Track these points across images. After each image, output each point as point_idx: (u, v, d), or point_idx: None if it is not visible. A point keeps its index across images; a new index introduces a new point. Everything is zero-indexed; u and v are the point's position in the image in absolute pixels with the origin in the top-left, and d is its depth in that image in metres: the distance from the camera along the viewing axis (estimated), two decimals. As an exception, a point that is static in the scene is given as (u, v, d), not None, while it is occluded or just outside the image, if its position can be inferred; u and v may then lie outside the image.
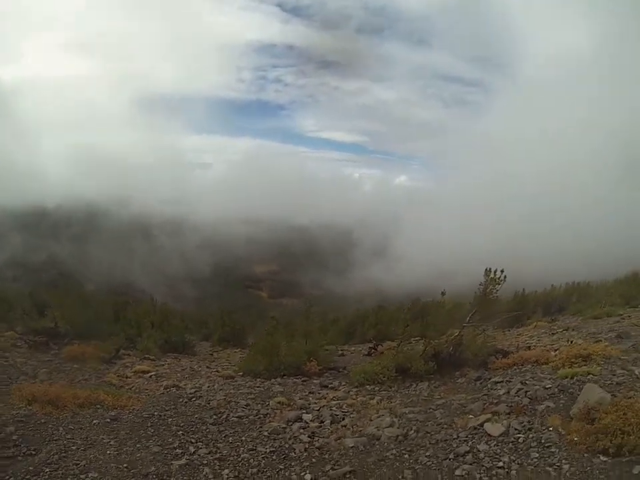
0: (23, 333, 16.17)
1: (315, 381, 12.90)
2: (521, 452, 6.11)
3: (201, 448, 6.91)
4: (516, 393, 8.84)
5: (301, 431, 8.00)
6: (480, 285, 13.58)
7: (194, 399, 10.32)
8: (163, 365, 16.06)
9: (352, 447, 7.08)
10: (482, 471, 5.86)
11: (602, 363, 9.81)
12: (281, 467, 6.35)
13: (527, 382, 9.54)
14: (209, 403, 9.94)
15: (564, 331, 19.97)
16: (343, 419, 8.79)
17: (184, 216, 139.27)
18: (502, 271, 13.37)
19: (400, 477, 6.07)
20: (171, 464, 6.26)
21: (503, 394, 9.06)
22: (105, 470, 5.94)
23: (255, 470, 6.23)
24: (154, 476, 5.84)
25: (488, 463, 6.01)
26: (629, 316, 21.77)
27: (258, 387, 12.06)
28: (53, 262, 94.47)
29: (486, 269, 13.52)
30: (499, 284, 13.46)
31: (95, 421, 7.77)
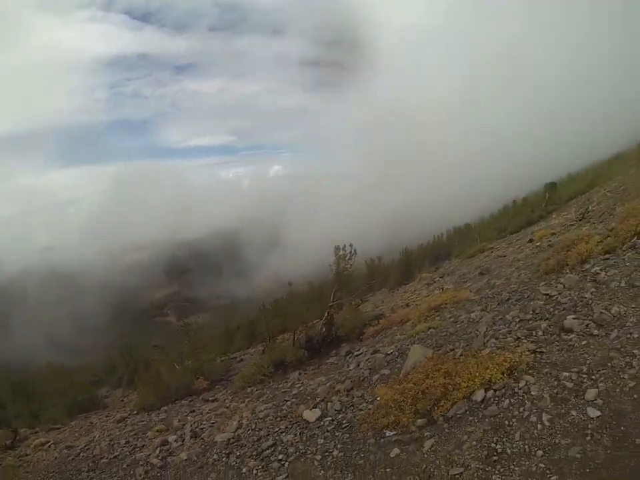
0: None
1: (201, 397, 13.01)
2: (314, 438, 6.48)
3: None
4: (360, 366, 9.36)
5: (157, 453, 8.25)
6: (330, 264, 14.17)
7: (81, 453, 10.22)
8: (65, 430, 15.52)
9: (185, 460, 7.50)
10: (261, 467, 6.30)
11: (452, 310, 10.51)
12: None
13: (379, 350, 10.07)
14: (92, 453, 9.90)
15: (440, 278, 21.23)
16: (203, 431, 9.02)
17: (65, 261, 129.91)
18: (351, 245, 14.08)
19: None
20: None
21: (353, 368, 9.55)
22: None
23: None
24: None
25: (277, 455, 6.43)
26: (497, 248, 23.66)
27: (142, 421, 12.05)
28: None
29: (335, 247, 14.08)
30: (350, 259, 14.14)
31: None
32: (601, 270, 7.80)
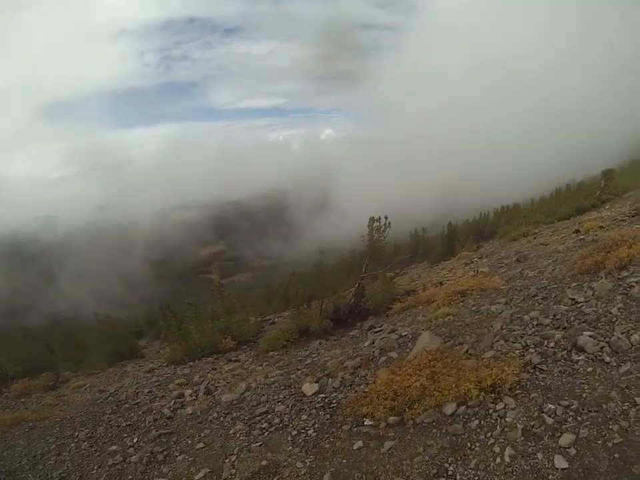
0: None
1: (226, 356, 13.44)
2: (301, 413, 6.61)
3: (82, 431, 8.33)
4: (374, 344, 9.37)
5: (170, 405, 8.75)
6: (363, 236, 14.18)
7: (110, 397, 10.83)
8: (102, 375, 16.67)
9: (190, 414, 7.97)
10: (245, 431, 6.54)
11: (477, 297, 10.26)
12: (125, 434, 7.74)
13: (397, 329, 10.03)
14: (118, 398, 10.49)
15: (478, 259, 20.86)
16: (217, 389, 9.37)
17: (118, 219, 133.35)
18: (386, 217, 14.01)
19: (198, 434, 6.98)
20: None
21: (367, 345, 9.59)
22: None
23: (105, 439, 7.76)
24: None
25: (262, 423, 6.65)
26: (542, 234, 22.91)
27: (167, 373, 12.59)
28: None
29: (370, 218, 14.05)
30: (385, 230, 14.07)
31: (16, 433, 9.11)
32: (636, 283, 7.19)
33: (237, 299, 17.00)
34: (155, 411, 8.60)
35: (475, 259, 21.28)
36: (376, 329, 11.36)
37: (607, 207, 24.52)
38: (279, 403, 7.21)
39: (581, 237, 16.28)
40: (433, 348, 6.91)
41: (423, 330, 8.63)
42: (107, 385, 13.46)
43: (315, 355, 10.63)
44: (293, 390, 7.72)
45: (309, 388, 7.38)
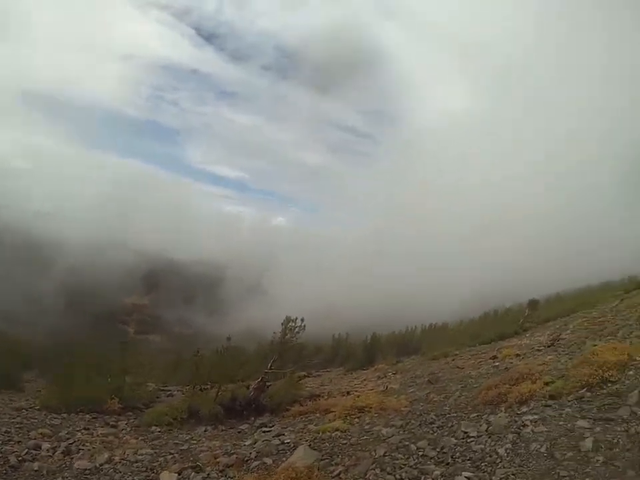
0: None
1: (105, 418, 12.31)
2: None
3: None
4: (255, 444, 8.72)
5: (20, 453, 7.83)
6: (276, 332, 14.27)
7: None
8: None
9: (35, 471, 7.17)
10: None
11: (374, 416, 9.91)
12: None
13: (283, 434, 9.49)
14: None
15: (393, 374, 20.36)
16: (79, 452, 8.41)
17: (50, 234, 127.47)
18: (302, 320, 14.14)
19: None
20: None
21: (248, 444, 8.93)
22: None
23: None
24: None
25: None
26: (461, 356, 22.77)
27: (35, 418, 11.37)
28: None
29: (286, 317, 14.19)
30: (299, 332, 14.15)
31: None
32: (530, 422, 7.05)
33: (145, 360, 15.45)
34: (1, 455, 7.61)
35: (390, 374, 20.96)
36: (265, 429, 10.83)
37: (527, 335, 25.20)
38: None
39: (496, 363, 16.26)
40: (305, 464, 6.43)
41: (306, 440, 8.20)
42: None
43: (195, 441, 9.86)
44: (151, 475, 7.04)
45: (167, 477, 6.78)
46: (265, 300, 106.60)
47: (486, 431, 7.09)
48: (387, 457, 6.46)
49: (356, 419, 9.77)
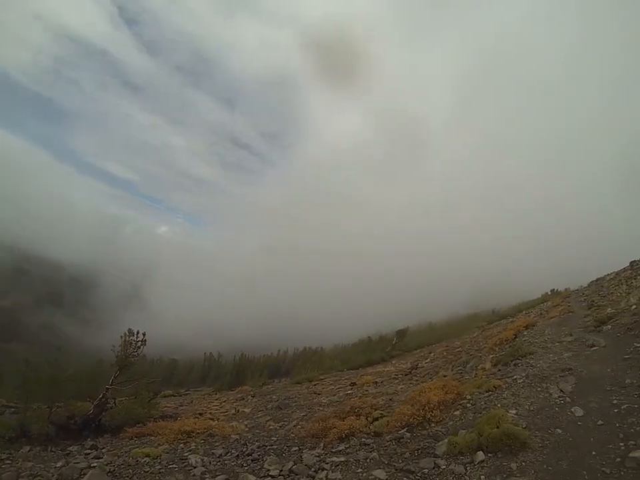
0: None
1: None
2: None
3: None
4: (63, 469, 8.19)
5: None
6: (115, 346, 13.66)
7: None
8: None
9: None
10: None
11: (200, 442, 9.91)
12: None
13: (100, 457, 9.20)
14: None
15: (251, 397, 20.41)
16: None
17: None
18: (144, 334, 13.82)
19: None
20: None
21: (58, 466, 8.46)
22: None
23: None
24: None
25: None
26: (324, 381, 23.21)
27: None
28: None
29: (128, 330, 13.72)
30: (140, 347, 13.73)
31: None
32: (331, 465, 7.20)
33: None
34: None
35: (249, 397, 20.71)
36: (95, 450, 10.30)
37: (393, 362, 26.21)
38: None
39: (349, 391, 17.06)
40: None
41: (110, 465, 8.01)
42: None
43: (10, 461, 9.20)
44: None
45: None
46: (143, 311, 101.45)
47: (289, 470, 7.14)
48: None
49: (181, 444, 9.66)
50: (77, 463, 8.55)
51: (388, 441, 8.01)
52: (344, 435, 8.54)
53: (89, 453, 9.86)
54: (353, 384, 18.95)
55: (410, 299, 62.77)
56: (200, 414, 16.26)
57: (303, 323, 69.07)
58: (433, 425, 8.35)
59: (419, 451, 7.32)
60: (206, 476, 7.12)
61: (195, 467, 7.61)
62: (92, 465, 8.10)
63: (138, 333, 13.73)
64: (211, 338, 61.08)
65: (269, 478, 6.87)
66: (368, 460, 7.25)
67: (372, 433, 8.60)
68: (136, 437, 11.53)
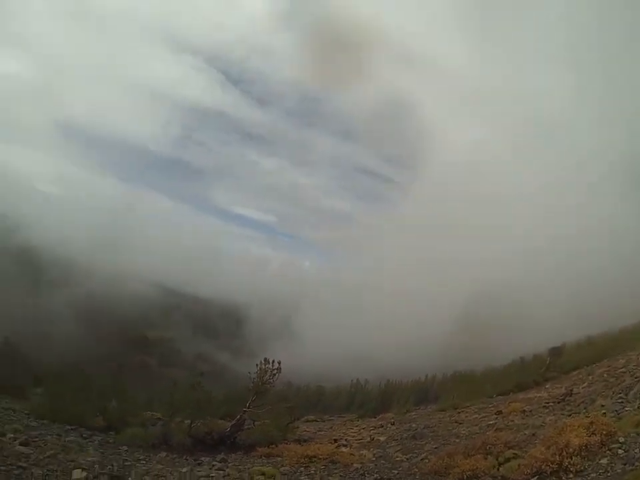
0: None
1: (82, 431, 13.05)
2: None
3: None
4: (184, 472, 9.22)
5: None
6: (251, 373, 14.53)
7: None
8: None
9: None
10: None
11: (321, 467, 9.96)
12: None
13: (224, 469, 9.91)
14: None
15: (391, 425, 19.77)
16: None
17: (79, 261, 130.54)
18: (279, 362, 14.41)
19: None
20: None
21: (183, 472, 9.46)
22: None
23: None
24: None
25: None
26: (469, 409, 21.78)
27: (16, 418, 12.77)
28: None
29: (264, 359, 14.44)
30: (275, 374, 14.34)
31: None
32: None
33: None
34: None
35: (389, 425, 20.07)
36: (223, 463, 11.01)
37: (547, 386, 23.90)
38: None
39: (491, 422, 15.79)
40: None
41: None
42: None
43: (144, 462, 10.48)
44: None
45: (77, 474, 7.96)
46: (291, 341, 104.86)
47: None
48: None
49: (302, 468, 9.86)
50: (199, 471, 9.42)
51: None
52: (466, 477, 7.76)
53: (215, 465, 10.50)
54: (499, 412, 17.39)
55: (566, 309, 56.02)
56: (335, 440, 16.24)
57: (454, 343, 65.78)
58: (570, 475, 7.13)
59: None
60: None
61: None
62: (211, 475, 8.86)
63: (273, 361, 14.38)
64: (359, 365, 60.91)
65: None
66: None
67: (499, 478, 7.69)
68: (264, 457, 11.98)
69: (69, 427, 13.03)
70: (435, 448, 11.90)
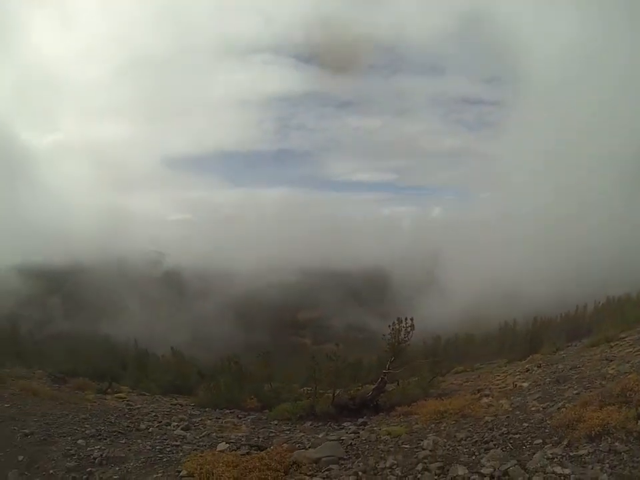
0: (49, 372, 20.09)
1: (238, 412, 15.24)
2: None
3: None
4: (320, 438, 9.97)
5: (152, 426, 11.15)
6: (384, 335, 14.98)
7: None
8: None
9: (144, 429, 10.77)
10: None
11: (452, 422, 9.99)
12: None
13: (359, 432, 10.48)
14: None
15: (537, 368, 19.16)
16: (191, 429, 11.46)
17: (220, 269, 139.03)
18: (411, 319, 14.68)
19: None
20: None
21: (320, 437, 10.20)
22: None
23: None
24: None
25: None
26: (625, 340, 20.33)
27: (184, 410, 15.14)
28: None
29: (397, 319, 14.76)
30: (409, 332, 14.64)
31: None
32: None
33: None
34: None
35: (535, 368, 19.42)
36: (364, 426, 11.71)
37: None
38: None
39: None
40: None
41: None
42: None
43: (287, 432, 11.62)
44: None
45: (222, 446, 8.89)
46: (437, 294, 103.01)
47: (503, 471, 6.41)
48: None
49: (433, 424, 10.07)
50: (332, 435, 10.14)
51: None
52: (594, 433, 6.80)
53: (351, 429, 11.23)
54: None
55: None
56: (478, 390, 16.16)
57: (599, 262, 60.28)
58: None
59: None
60: (426, 460, 7.33)
61: (424, 449, 7.93)
62: (341, 438, 9.37)
63: (406, 319, 14.66)
64: (509, 303, 58.82)
65: (477, 475, 6.45)
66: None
67: (634, 433, 6.60)
68: (403, 416, 12.35)
69: (228, 411, 15.07)
70: (576, 394, 11.03)
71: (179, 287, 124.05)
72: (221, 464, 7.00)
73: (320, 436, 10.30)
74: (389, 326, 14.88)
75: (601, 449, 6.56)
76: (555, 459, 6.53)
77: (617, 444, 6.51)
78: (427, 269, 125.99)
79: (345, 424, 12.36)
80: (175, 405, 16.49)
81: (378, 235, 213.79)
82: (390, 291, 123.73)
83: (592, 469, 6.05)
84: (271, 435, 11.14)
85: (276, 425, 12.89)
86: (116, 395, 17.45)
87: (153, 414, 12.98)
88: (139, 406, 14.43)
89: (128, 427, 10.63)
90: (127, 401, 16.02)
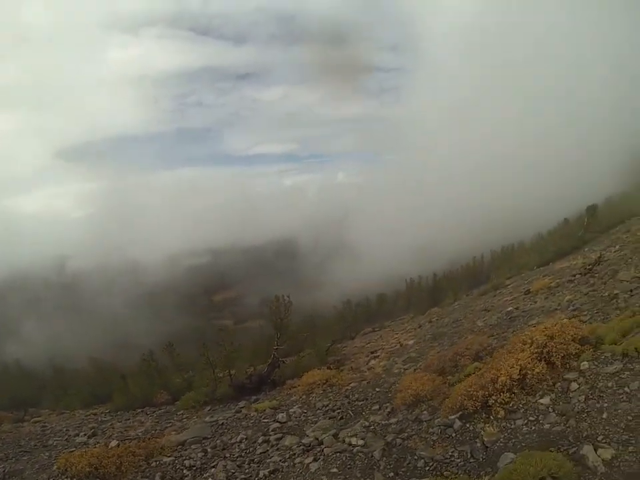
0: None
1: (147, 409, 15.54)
2: None
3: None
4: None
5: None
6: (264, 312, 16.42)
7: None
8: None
9: None
10: None
11: (320, 392, 11.15)
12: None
13: (239, 412, 11.38)
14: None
15: (428, 323, 20.52)
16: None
17: (129, 262, 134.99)
18: (288, 297, 15.40)
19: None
20: None
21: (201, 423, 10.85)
22: None
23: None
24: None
25: None
26: (506, 287, 22.04)
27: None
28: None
29: (275, 297, 15.48)
30: (287, 309, 15.33)
31: None
32: (347, 448, 6.79)
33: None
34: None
35: (426, 323, 20.74)
36: (240, 406, 12.40)
37: (585, 249, 23.89)
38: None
39: (511, 308, 15.87)
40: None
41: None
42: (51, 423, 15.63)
43: (186, 418, 12.50)
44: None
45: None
46: (348, 258, 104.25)
47: (320, 440, 7.52)
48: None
49: (304, 395, 11.30)
50: (218, 416, 11.14)
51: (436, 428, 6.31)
52: (409, 402, 7.54)
53: (236, 409, 12.03)
54: (528, 292, 17.65)
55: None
56: (372, 352, 17.16)
57: (501, 213, 63.28)
58: (499, 418, 5.89)
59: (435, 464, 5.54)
60: (272, 433, 8.47)
61: (276, 422, 9.09)
62: (227, 417, 10.59)
63: (283, 296, 15.29)
64: (415, 262, 61.12)
65: (301, 444, 7.52)
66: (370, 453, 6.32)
67: (434, 407, 7.10)
68: (289, 389, 13.15)
69: (140, 410, 15.48)
70: (438, 353, 12.13)
71: (88, 290, 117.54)
72: (87, 457, 7.93)
73: (206, 419, 11.14)
74: (267, 305, 15.76)
75: (408, 417, 7.37)
76: (371, 427, 7.40)
77: (425, 413, 7.27)
78: (336, 234, 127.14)
79: (239, 404, 13.01)
80: (89, 415, 16.65)
81: (284, 205, 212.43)
82: (301, 259, 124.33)
83: (385, 439, 6.72)
84: (168, 425, 11.80)
85: (181, 414, 13.43)
86: (33, 420, 17.45)
87: (65, 429, 13.35)
88: (54, 425, 14.64)
89: (35, 445, 11.32)
90: (44, 423, 15.97)
